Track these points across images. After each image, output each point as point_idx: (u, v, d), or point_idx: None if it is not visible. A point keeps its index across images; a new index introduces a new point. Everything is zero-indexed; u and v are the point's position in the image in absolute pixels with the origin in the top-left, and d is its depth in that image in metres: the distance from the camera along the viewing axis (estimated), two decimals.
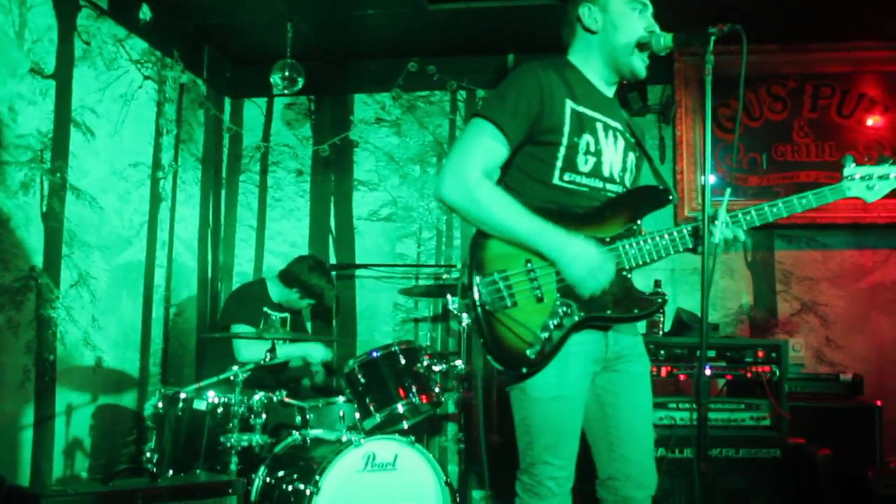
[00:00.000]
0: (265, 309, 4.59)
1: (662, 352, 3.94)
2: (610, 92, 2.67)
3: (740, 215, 2.52)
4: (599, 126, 2.54)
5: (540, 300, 2.40)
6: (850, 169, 2.57)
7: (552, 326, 2.39)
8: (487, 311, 2.38)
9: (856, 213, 4.95)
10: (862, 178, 2.56)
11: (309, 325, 5.17)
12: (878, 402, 4.34)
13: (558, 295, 2.41)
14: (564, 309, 2.40)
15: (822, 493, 3.82)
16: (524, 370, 2.39)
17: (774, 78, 5.16)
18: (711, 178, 5.11)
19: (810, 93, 5.14)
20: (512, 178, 2.55)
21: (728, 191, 2.48)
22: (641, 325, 2.72)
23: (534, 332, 2.38)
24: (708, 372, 3.92)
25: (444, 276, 4.74)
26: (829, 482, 3.82)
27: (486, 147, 2.44)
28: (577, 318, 2.41)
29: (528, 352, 2.37)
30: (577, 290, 2.39)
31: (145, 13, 4.65)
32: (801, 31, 4.99)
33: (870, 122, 5.07)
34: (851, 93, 5.11)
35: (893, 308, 4.99)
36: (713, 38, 2.31)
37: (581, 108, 2.51)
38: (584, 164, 2.49)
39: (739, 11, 4.62)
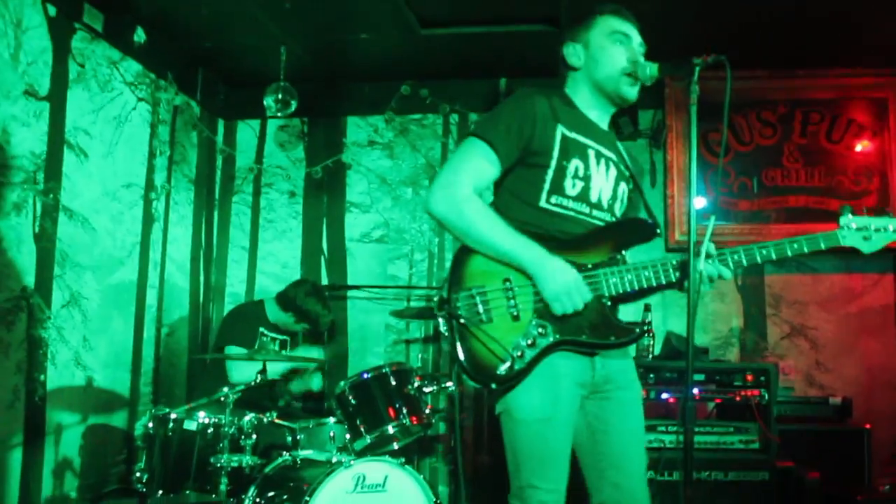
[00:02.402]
0: (261, 329, 4.60)
1: (652, 375, 3.96)
2: (605, 123, 2.70)
3: (728, 255, 2.50)
4: (591, 153, 2.57)
5: (515, 318, 2.42)
6: (847, 219, 2.53)
7: (525, 345, 2.40)
8: (462, 325, 2.41)
9: None
10: (858, 229, 2.52)
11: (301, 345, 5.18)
12: (867, 426, 4.36)
13: (534, 315, 2.42)
14: (539, 329, 2.41)
15: None
16: (493, 385, 2.40)
17: (764, 104, 5.22)
18: (702, 202, 5.14)
19: (800, 118, 5.19)
20: (501, 199, 2.59)
21: (713, 218, 2.48)
22: (631, 348, 2.71)
23: (506, 348, 2.39)
24: (697, 395, 3.96)
25: (436, 297, 4.74)
26: None
27: (477, 165, 2.49)
28: (551, 340, 2.41)
29: (499, 368, 2.38)
30: (551, 307, 2.40)
31: (140, 36, 4.68)
32: (790, 58, 5.04)
33: (858, 147, 5.12)
34: (840, 118, 5.16)
35: (882, 332, 5.03)
36: (698, 68, 2.34)
37: (572, 135, 2.54)
38: (572, 187, 2.52)
39: (729, 38, 4.66)
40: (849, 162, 5.10)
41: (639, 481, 2.59)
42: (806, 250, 2.50)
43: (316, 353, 4.79)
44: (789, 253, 2.49)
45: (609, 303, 2.48)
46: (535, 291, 2.43)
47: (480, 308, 2.41)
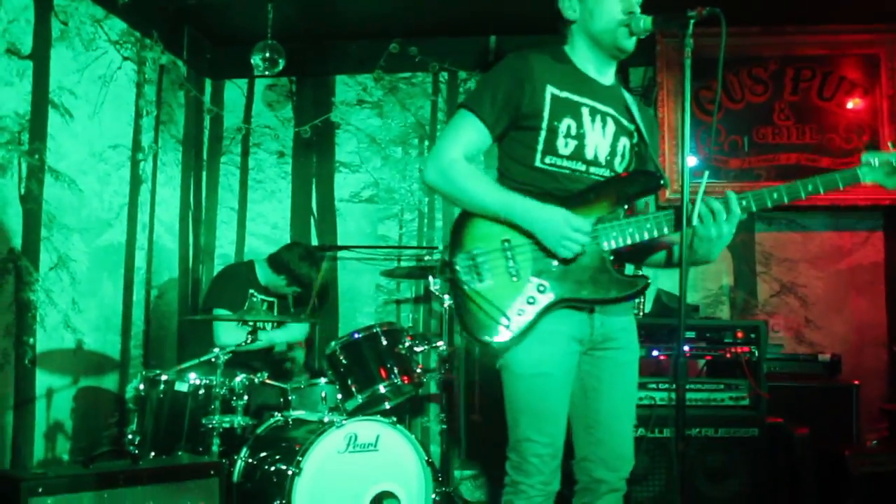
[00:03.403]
0: (251, 290, 4.58)
1: (643, 332, 3.94)
2: (606, 78, 2.67)
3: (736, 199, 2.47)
4: (585, 110, 2.56)
5: (515, 278, 2.44)
6: (871, 155, 2.49)
7: (526, 303, 2.43)
8: (462, 286, 2.44)
9: (836, 194, 4.90)
10: (881, 165, 2.48)
11: (292, 310, 5.16)
12: (856, 382, 4.40)
13: (534, 273, 2.45)
14: (539, 287, 2.44)
15: (799, 472, 3.87)
16: (494, 344, 2.44)
17: (756, 60, 5.17)
18: (693, 161, 5.13)
19: (791, 75, 5.16)
20: (502, 162, 2.65)
21: (706, 175, 2.47)
22: (630, 305, 2.71)
23: (506, 307, 2.42)
24: (688, 352, 3.98)
25: (426, 257, 4.75)
26: (807, 461, 3.88)
27: (465, 134, 2.55)
28: (552, 297, 2.44)
29: (499, 327, 2.42)
30: (557, 254, 2.42)
31: None
32: (782, 14, 4.99)
33: (850, 104, 5.09)
34: (832, 76, 5.12)
35: (871, 289, 5.05)
36: (692, 21, 2.31)
37: (563, 93, 2.54)
38: (565, 146, 2.53)
39: None
40: (840, 119, 5.07)
41: (625, 440, 2.64)
42: (822, 191, 2.47)
43: (301, 330, 4.76)
44: (803, 195, 2.45)
45: (611, 257, 2.48)
46: (534, 250, 2.45)
47: (481, 269, 2.45)
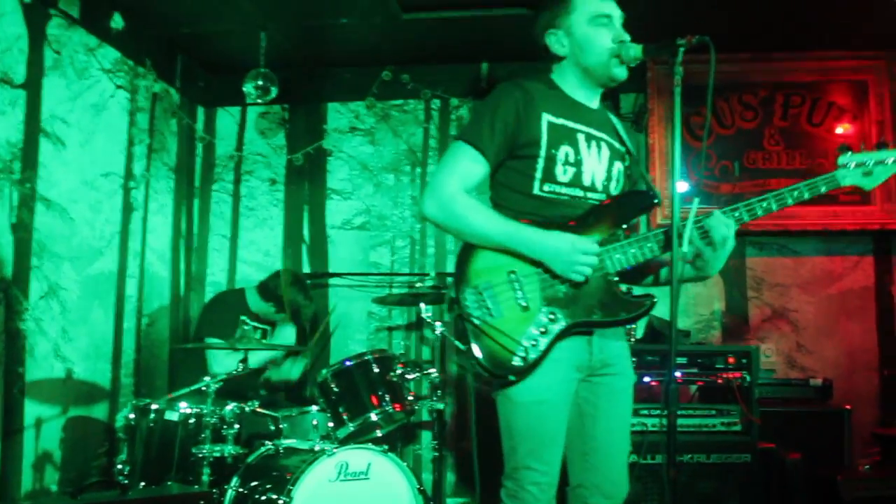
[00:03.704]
0: (242, 317, 4.57)
1: (635, 359, 3.94)
2: (594, 103, 2.70)
3: (729, 213, 2.50)
4: (581, 137, 2.58)
5: (525, 308, 2.44)
6: (847, 157, 2.54)
7: (538, 334, 2.43)
8: (473, 323, 2.43)
9: (826, 219, 5.01)
10: (858, 166, 2.53)
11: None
12: (848, 407, 4.40)
13: (543, 303, 2.45)
14: (550, 316, 2.44)
15: (791, 497, 3.86)
16: (512, 378, 2.43)
17: (746, 87, 5.22)
18: (684, 186, 5.15)
19: (781, 101, 5.20)
20: (496, 192, 2.65)
21: (696, 201, 2.48)
22: (624, 331, 2.73)
23: (519, 340, 2.42)
24: (679, 378, 3.98)
25: (418, 284, 4.73)
26: (799, 486, 3.87)
27: (463, 167, 2.54)
28: (563, 325, 2.44)
29: (514, 360, 2.41)
30: (568, 278, 2.42)
31: (117, 22, 4.63)
32: (771, 41, 5.04)
33: (839, 130, 5.13)
34: (821, 101, 5.17)
35: (862, 313, 5.06)
36: (682, 49, 2.33)
37: (559, 121, 2.56)
38: (564, 174, 2.55)
39: (712, 21, 4.67)
40: (829, 145, 5.10)
41: (620, 467, 2.63)
42: (807, 196, 2.51)
43: (290, 332, 4.73)
44: (790, 201, 2.50)
45: (616, 279, 2.51)
46: (542, 279, 2.46)
47: (489, 303, 2.44)
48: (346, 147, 5.56)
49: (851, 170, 2.55)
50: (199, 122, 5.65)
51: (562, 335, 2.45)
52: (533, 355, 2.41)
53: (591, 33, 2.58)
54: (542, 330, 2.42)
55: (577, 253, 2.40)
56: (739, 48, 5.08)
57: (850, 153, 2.55)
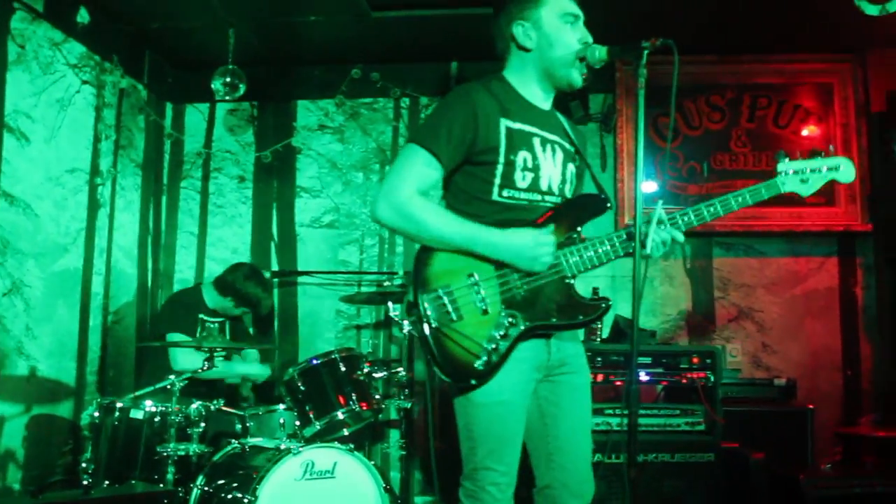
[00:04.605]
0: (200, 315, 4.54)
1: (599, 359, 3.98)
2: (547, 104, 2.70)
3: (678, 217, 2.54)
4: (536, 141, 2.58)
5: (485, 312, 2.44)
6: (784, 164, 2.61)
7: (498, 337, 2.42)
8: (434, 327, 2.41)
9: (791, 220, 5.07)
10: (795, 173, 2.60)
11: (251, 330, 5.13)
12: (811, 406, 4.45)
13: (503, 306, 2.45)
14: (509, 319, 2.44)
15: (755, 496, 3.89)
16: (473, 381, 2.42)
17: (713, 88, 5.27)
18: (652, 186, 5.18)
19: (748, 103, 5.26)
20: (453, 195, 2.61)
21: (660, 202, 2.50)
22: (580, 333, 2.75)
23: (480, 343, 2.41)
24: (644, 378, 4.01)
25: (387, 283, 4.72)
26: (762, 485, 3.90)
27: (418, 171, 2.50)
28: (522, 328, 2.44)
29: (475, 364, 2.40)
30: (532, 271, 2.44)
31: (83, 17, 4.58)
32: (738, 43, 5.09)
33: (805, 132, 5.20)
34: (787, 104, 5.23)
35: (826, 314, 5.12)
36: (646, 51, 2.35)
37: (516, 125, 2.55)
38: (522, 179, 2.54)
39: (678, 23, 4.71)
40: (795, 147, 5.15)
41: (585, 464, 2.64)
42: (750, 202, 2.58)
43: (262, 368, 4.73)
44: (735, 206, 2.56)
45: (573, 282, 2.52)
46: (501, 282, 2.46)
47: (449, 307, 2.42)
48: (315, 145, 5.55)
49: (790, 176, 2.61)
50: (167, 118, 5.61)
51: (521, 338, 2.45)
52: (494, 358, 2.41)
53: (559, 27, 2.58)
54: (503, 334, 2.42)
55: (539, 245, 2.43)
56: (706, 50, 5.12)
57: (787, 160, 2.62)
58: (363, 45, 5.21)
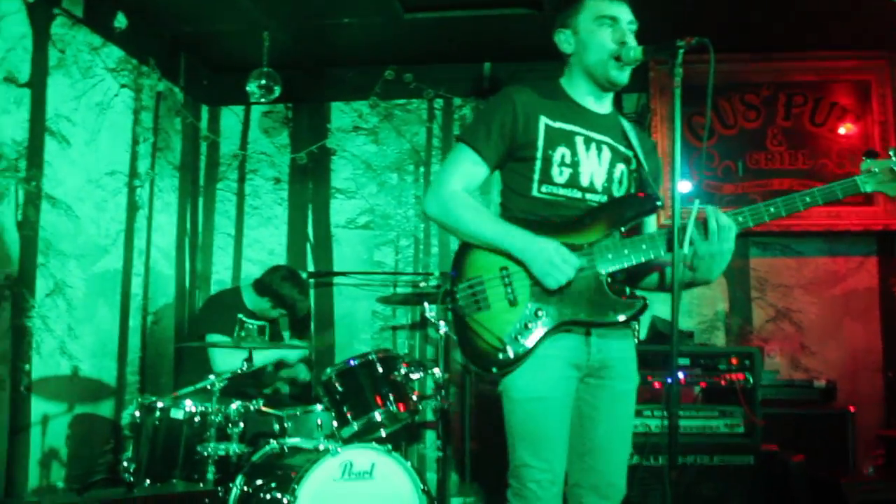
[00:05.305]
0: (240, 316, 4.58)
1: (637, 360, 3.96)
2: (602, 107, 2.72)
3: (732, 217, 2.49)
4: (579, 139, 2.61)
5: (513, 304, 2.49)
6: (869, 163, 2.50)
7: (523, 328, 2.46)
8: (461, 315, 2.51)
9: (829, 220, 5.01)
10: (881, 171, 2.48)
11: (286, 334, 5.16)
12: (852, 409, 4.40)
13: (531, 298, 2.48)
14: (537, 312, 2.47)
15: (795, 500, 3.86)
16: (494, 370, 2.48)
17: (748, 86, 5.22)
18: (687, 186, 5.14)
19: (783, 101, 5.20)
20: (502, 194, 2.71)
21: (696, 202, 2.49)
22: (630, 335, 2.71)
23: (505, 333, 2.47)
24: (682, 380, 3.98)
25: (422, 283, 4.74)
26: (803, 489, 3.87)
27: (463, 168, 2.63)
28: (549, 321, 2.46)
29: (498, 353, 2.46)
30: (545, 284, 2.45)
31: (121, 21, 4.64)
32: (773, 41, 5.04)
33: (842, 130, 5.13)
34: (824, 101, 5.17)
35: (866, 315, 5.06)
36: (682, 50, 2.34)
37: (557, 124, 2.60)
38: (560, 175, 2.58)
39: (713, 21, 4.68)
40: (832, 145, 5.11)
41: (618, 469, 2.64)
42: (821, 202, 2.49)
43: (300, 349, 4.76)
44: (801, 207, 2.48)
45: (609, 279, 2.51)
46: (532, 276, 2.48)
47: (479, 297, 2.51)
48: (349, 146, 5.57)
49: (876, 174, 2.49)
50: (203, 120, 5.67)
51: (551, 332, 2.47)
52: (518, 349, 2.45)
53: (594, 30, 2.62)
54: (528, 325, 2.46)
55: (557, 258, 2.43)
56: (741, 48, 5.08)
57: (874, 159, 2.51)
58: (396, 46, 5.23)
